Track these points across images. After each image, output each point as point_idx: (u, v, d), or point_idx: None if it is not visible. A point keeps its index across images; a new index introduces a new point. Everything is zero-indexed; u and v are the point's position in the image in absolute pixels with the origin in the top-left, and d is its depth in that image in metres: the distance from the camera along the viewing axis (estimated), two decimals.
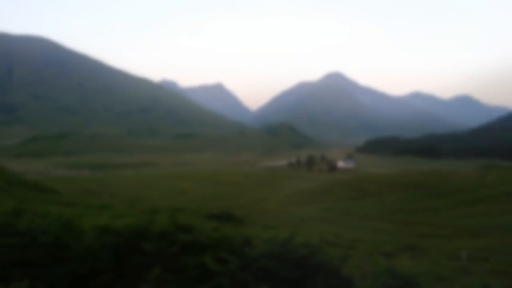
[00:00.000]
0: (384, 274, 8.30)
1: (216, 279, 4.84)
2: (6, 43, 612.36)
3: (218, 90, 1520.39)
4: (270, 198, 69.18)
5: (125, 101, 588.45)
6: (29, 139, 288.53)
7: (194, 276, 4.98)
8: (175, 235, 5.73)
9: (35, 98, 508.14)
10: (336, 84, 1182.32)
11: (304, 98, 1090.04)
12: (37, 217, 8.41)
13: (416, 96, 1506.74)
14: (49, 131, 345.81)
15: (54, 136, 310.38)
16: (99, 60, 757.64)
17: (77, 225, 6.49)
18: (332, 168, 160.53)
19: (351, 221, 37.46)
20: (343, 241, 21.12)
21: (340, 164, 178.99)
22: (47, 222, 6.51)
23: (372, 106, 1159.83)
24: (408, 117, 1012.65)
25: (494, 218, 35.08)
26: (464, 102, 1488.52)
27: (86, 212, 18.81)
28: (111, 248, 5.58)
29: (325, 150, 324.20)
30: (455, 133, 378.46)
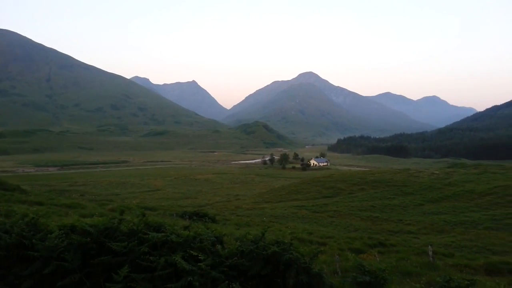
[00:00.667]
0: (353, 270, 8.48)
1: (187, 278, 4.82)
2: None
3: (193, 87, 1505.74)
4: (244, 196, 69.30)
5: (96, 97, 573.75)
6: None
7: (164, 275, 4.94)
8: (145, 234, 5.66)
9: (0, 94, 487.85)
10: (309, 84, 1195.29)
11: (278, 97, 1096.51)
12: (0, 216, 8.10)
13: (387, 97, 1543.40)
14: (15, 128, 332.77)
15: (21, 133, 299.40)
16: (68, 55, 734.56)
17: (43, 225, 6.30)
18: (305, 166, 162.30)
19: (323, 219, 38.04)
20: (315, 238, 21.43)
21: (313, 162, 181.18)
22: (11, 222, 6.29)
23: (344, 105, 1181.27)
24: (379, 117, 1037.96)
25: (458, 215, 36.50)
26: (432, 102, 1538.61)
27: (53, 211, 18.25)
28: (78, 247, 5.45)
29: (299, 149, 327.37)
30: (424, 133, 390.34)
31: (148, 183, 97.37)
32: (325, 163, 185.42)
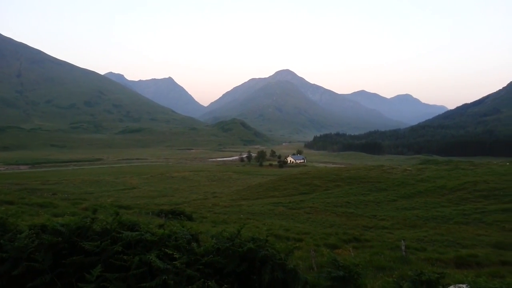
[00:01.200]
0: (328, 265, 8.61)
1: (161, 277, 4.78)
2: None
3: (169, 84, 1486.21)
4: (221, 194, 69.14)
5: (68, 93, 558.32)
6: None
7: (139, 274, 4.88)
8: (119, 233, 5.57)
9: None
10: (286, 81, 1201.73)
11: (255, 94, 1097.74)
12: None
13: (362, 95, 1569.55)
14: None
15: None
16: (39, 50, 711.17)
17: (12, 224, 6.11)
18: (282, 163, 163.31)
19: (300, 215, 38.39)
20: (291, 235, 21.61)
21: (290, 159, 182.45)
22: None
23: (320, 103, 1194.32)
24: (354, 115, 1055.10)
25: (430, 210, 37.58)
26: (405, 101, 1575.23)
27: (24, 211, 17.72)
28: (49, 247, 5.32)
29: (276, 146, 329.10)
30: (397, 130, 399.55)
31: (123, 181, 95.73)
32: (301, 160, 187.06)
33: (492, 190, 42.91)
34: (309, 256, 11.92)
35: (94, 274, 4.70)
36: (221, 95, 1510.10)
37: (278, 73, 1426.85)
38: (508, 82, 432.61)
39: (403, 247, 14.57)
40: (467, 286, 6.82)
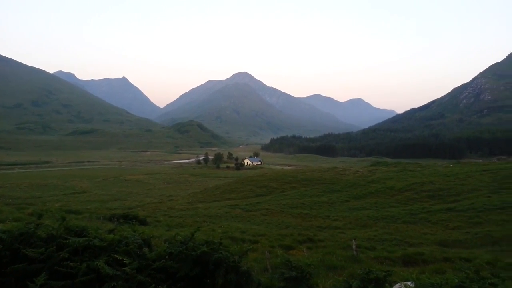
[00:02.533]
0: (281, 266, 8.75)
1: (110, 283, 4.66)
2: None
3: (123, 84, 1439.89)
4: (177, 197, 68.03)
5: (14, 92, 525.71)
6: None
7: (86, 281, 4.72)
8: (65, 239, 5.36)
9: None
10: (244, 84, 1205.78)
11: (213, 96, 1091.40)
12: None
13: (317, 98, 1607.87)
14: None
15: None
16: None
17: None
18: (239, 165, 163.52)
19: (256, 217, 38.63)
20: (247, 237, 21.70)
21: (247, 161, 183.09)
22: None
23: (277, 106, 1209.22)
24: (310, 118, 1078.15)
25: (380, 210, 39.15)
26: (358, 105, 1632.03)
27: None
28: None
29: (233, 148, 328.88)
30: (350, 133, 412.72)
31: (73, 184, 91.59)
32: (258, 163, 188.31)
33: (437, 191, 45.43)
34: (264, 258, 12.03)
35: (37, 282, 4.50)
36: (178, 97, 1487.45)
37: (236, 75, 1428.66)
38: (452, 88, 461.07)
39: (354, 247, 15.10)
40: (411, 283, 7.20)
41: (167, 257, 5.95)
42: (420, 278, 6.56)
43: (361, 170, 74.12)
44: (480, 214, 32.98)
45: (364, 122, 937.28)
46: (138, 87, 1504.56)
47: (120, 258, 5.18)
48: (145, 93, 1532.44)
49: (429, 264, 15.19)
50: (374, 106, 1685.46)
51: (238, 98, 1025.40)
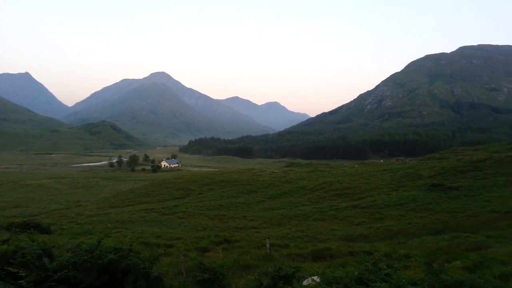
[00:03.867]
0: (195, 269, 8.75)
1: None
2: None
3: (26, 80, 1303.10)
4: (86, 202, 63.77)
5: None
6: None
7: None
8: None
9: None
10: (162, 84, 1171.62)
11: (128, 96, 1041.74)
12: None
13: (235, 101, 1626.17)
14: None
15: None
16: None
17: None
18: (156, 168, 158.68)
19: (173, 220, 37.86)
20: (162, 241, 21.16)
21: (164, 164, 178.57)
22: None
23: (196, 107, 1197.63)
24: (228, 120, 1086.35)
25: (293, 209, 40.93)
26: (274, 108, 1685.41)
27: None
28: None
29: (149, 150, 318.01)
30: (266, 135, 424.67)
31: None
32: (176, 165, 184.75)
33: (344, 189, 48.81)
34: (179, 262, 11.89)
35: None
36: (88, 95, 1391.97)
37: (154, 75, 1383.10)
38: (358, 95, 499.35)
39: (267, 245, 15.62)
40: (317, 277, 7.70)
41: (70, 267, 5.63)
42: (325, 272, 7.03)
43: (276, 171, 76.68)
44: (381, 210, 36.19)
45: (280, 124, 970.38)
46: (43, 84, 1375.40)
47: (15, 270, 4.79)
48: (51, 90, 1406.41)
49: (336, 259, 16.23)
50: (289, 109, 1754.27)
51: (156, 98, 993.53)
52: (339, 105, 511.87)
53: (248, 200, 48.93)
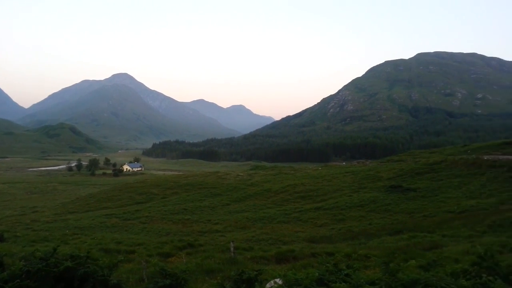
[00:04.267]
0: (157, 275, 8.63)
1: None
2: None
3: None
4: (43, 208, 61.08)
5: None
6: None
7: None
8: None
9: None
10: (124, 86, 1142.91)
11: (88, 97, 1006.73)
12: None
13: (200, 103, 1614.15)
14: None
15: None
16: None
17: None
18: (117, 172, 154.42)
19: (135, 226, 37.01)
20: (123, 247, 20.67)
21: (126, 167, 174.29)
22: None
23: (160, 110, 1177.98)
24: (193, 122, 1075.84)
25: (258, 212, 41.11)
26: (239, 111, 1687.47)
27: None
28: None
29: (111, 154, 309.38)
30: (232, 138, 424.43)
31: None
32: (139, 168, 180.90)
33: (307, 192, 49.58)
34: (140, 268, 11.68)
35: None
36: (46, 96, 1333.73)
37: (116, 76, 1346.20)
38: (321, 99, 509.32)
39: (232, 249, 15.61)
40: (279, 280, 7.80)
41: (23, 276, 5.42)
42: (287, 274, 7.13)
43: (241, 174, 76.75)
44: (343, 211, 37.07)
45: (245, 127, 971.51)
46: None
47: None
48: (5, 91, 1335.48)
49: (299, 260, 16.46)
50: (254, 112, 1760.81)
51: (118, 100, 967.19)
52: (304, 108, 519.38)
53: (213, 203, 48.65)
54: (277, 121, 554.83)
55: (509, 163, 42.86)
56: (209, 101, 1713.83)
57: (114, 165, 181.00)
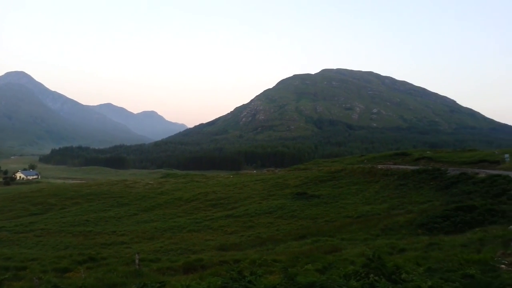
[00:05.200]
0: None
1: None
2: None
3: None
4: None
5: None
6: None
7: None
8: None
9: None
10: (20, 85, 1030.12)
11: None
12: None
13: (108, 107, 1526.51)
14: None
15: None
16: None
17: None
18: (9, 180, 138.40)
19: (28, 239, 33.58)
20: (13, 264, 18.64)
21: (20, 175, 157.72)
22: None
23: (62, 113, 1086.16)
24: (100, 128, 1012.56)
25: (168, 221, 40.12)
26: (151, 117, 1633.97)
27: None
28: None
29: (2, 160, 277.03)
30: (142, 145, 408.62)
31: None
32: (34, 176, 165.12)
33: (219, 199, 49.84)
34: (32, 285, 10.73)
35: None
36: None
37: (10, 74, 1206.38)
38: (234, 107, 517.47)
39: (136, 261, 15.07)
40: None
41: None
42: (191, 284, 7.15)
43: (151, 182, 74.32)
44: (252, 218, 37.96)
45: (157, 134, 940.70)
46: None
47: None
48: None
49: (207, 269, 16.46)
50: (167, 119, 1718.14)
51: (11, 100, 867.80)
52: (217, 116, 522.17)
53: (119, 213, 46.26)
54: (190, 128, 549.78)
55: (399, 172, 47.99)
56: (118, 105, 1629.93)
57: (5, 172, 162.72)
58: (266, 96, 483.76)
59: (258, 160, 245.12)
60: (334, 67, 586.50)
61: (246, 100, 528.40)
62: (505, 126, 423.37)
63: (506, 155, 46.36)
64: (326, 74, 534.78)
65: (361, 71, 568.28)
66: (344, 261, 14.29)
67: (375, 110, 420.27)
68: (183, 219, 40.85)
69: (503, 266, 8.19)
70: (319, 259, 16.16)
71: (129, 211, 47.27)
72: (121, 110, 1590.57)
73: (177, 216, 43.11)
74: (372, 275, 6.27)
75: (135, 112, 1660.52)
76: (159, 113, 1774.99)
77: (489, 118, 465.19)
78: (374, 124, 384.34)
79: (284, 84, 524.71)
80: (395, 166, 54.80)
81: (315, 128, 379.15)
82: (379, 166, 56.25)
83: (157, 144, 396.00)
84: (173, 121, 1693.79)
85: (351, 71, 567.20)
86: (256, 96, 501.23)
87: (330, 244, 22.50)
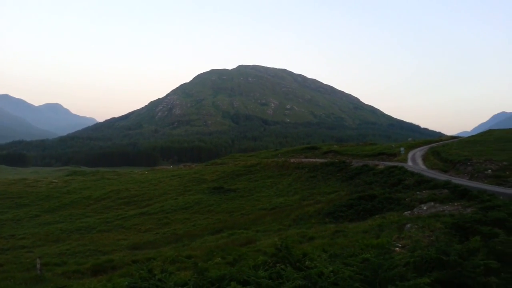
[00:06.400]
0: None
1: None
2: None
3: None
4: None
5: None
6: None
7: None
8: None
9: None
10: None
11: None
12: None
13: (5, 99, 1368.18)
14: None
15: None
16: None
17: None
18: None
19: None
20: None
21: None
22: None
23: None
24: None
25: (75, 222, 37.54)
26: (55, 110, 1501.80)
27: None
28: None
29: None
30: (45, 140, 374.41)
31: None
32: None
33: (132, 197, 47.96)
34: None
35: None
36: None
37: None
38: (149, 101, 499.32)
39: (38, 266, 13.94)
40: None
41: None
42: (96, 287, 6.84)
43: (56, 180, 68.59)
44: (168, 215, 37.26)
45: (62, 128, 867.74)
46: None
47: None
48: None
49: (118, 270, 15.85)
50: (73, 112, 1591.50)
51: None
52: (130, 110, 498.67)
53: (18, 215, 42.02)
54: (100, 122, 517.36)
55: (309, 165, 50.76)
56: (17, 97, 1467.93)
57: None
58: (183, 90, 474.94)
59: (174, 155, 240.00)
60: (251, 63, 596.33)
61: (162, 94, 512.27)
62: (401, 122, 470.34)
63: (402, 148, 51.91)
64: (242, 70, 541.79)
65: (275, 68, 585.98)
66: (257, 252, 14.78)
67: (288, 106, 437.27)
68: (93, 219, 38.61)
69: (397, 249, 9.23)
70: (233, 252, 16.49)
71: (30, 213, 43.19)
72: (21, 102, 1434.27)
73: (85, 216, 40.56)
74: (279, 264, 6.58)
75: (36, 104, 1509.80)
76: (65, 105, 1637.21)
77: (387, 115, 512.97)
78: (288, 120, 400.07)
79: (201, 79, 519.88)
80: (306, 160, 57.83)
81: (232, 123, 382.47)
82: (292, 160, 58.88)
83: (62, 139, 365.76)
84: (81, 114, 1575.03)
85: (267, 68, 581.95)
86: (173, 90, 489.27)
87: (245, 236, 23.07)
